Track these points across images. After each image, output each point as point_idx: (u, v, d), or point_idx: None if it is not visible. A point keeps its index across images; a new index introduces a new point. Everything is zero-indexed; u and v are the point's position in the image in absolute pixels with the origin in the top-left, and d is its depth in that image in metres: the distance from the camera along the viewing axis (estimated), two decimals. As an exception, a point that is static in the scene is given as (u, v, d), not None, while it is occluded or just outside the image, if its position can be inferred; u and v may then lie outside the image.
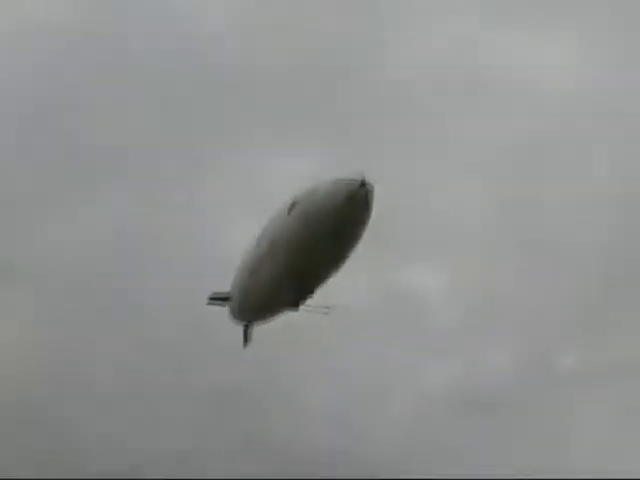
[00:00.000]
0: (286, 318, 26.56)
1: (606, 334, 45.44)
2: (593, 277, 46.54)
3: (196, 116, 50.39)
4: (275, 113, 48.73)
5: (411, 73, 50.84)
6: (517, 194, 48.69)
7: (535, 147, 50.38)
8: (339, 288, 23.55)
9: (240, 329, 29.23)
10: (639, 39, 53.17)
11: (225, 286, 28.48)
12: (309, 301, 25.11)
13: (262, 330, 28.86)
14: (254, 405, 41.96)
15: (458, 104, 50.17)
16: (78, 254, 46.10)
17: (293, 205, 22.42)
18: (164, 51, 52.55)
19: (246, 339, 30.00)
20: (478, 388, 44.43)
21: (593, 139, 51.02)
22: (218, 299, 29.33)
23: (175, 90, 51.36)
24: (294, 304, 24.85)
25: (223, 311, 29.12)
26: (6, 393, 40.40)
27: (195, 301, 28.82)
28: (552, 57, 52.96)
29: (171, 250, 45.00)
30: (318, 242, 21.96)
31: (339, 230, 21.67)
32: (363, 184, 20.99)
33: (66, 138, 49.88)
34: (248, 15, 54.16)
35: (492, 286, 46.16)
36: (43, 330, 43.82)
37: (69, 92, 51.16)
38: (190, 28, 53.41)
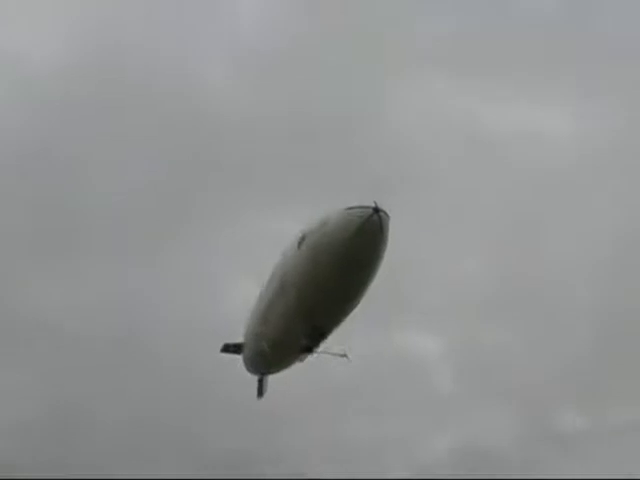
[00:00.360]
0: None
1: (606, 394, 45.50)
2: (592, 336, 46.76)
3: (191, 176, 50.39)
4: (271, 173, 48.66)
5: (410, 134, 51.85)
6: (515, 253, 49.25)
7: (533, 206, 51.04)
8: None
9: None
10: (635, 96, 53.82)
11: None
12: (324, 346, 24.14)
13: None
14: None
15: (458, 163, 50.58)
16: (79, 313, 45.95)
17: (303, 238, 21.48)
18: (157, 110, 52.60)
19: (260, 390, 29.34)
20: (478, 449, 44.76)
21: (591, 197, 51.69)
22: (231, 349, 28.77)
23: (171, 150, 51.31)
24: (307, 349, 23.81)
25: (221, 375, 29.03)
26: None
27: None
28: (551, 114, 53.98)
29: (170, 310, 45.08)
30: (330, 276, 21.00)
31: (352, 263, 20.70)
32: (376, 211, 20.17)
33: (68, 198, 49.97)
34: (243, 73, 54.66)
35: (490, 347, 46.60)
36: (51, 385, 43.30)
37: (58, 152, 51.11)
38: (183, 86, 53.54)
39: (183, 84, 53.25)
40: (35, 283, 47.35)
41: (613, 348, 45.84)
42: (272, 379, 28.90)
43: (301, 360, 26.28)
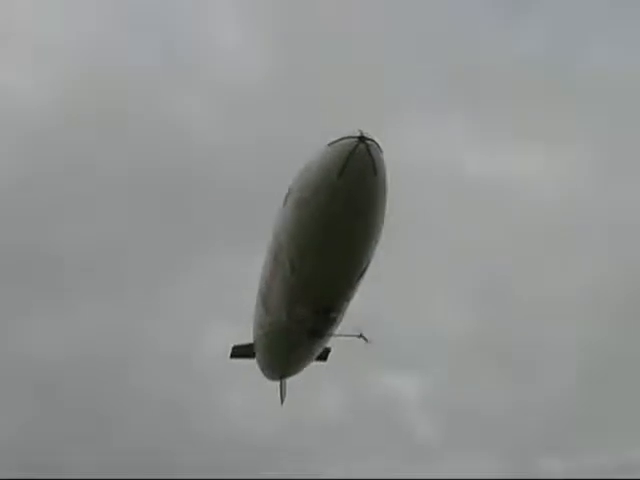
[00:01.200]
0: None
1: (589, 438, 43.41)
2: (572, 382, 45.23)
3: (167, 220, 48.04)
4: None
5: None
6: (495, 301, 47.73)
7: (514, 254, 48.88)
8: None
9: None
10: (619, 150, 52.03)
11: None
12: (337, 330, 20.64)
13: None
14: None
15: (441, 210, 48.05)
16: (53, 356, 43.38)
17: (288, 193, 17.63)
18: (134, 156, 50.24)
19: (282, 395, 25.58)
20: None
21: (574, 247, 49.43)
22: (241, 351, 24.98)
23: (146, 195, 48.99)
24: (316, 333, 20.07)
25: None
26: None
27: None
28: (534, 166, 52.25)
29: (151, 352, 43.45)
30: (319, 233, 17.08)
31: (343, 211, 16.63)
32: (362, 139, 16.10)
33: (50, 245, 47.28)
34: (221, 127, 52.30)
35: (471, 395, 44.33)
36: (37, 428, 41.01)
37: (40, 199, 48.96)
38: (167, 138, 51.10)
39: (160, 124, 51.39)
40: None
41: (595, 394, 44.27)
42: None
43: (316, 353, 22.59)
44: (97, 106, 49.34)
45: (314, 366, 24.39)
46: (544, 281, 47.67)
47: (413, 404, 46.35)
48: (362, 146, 16.09)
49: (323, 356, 24.71)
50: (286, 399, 25.56)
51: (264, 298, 20.98)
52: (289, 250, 18.04)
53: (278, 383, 25.30)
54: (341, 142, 16.24)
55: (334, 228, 16.92)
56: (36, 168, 48.66)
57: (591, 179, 52.56)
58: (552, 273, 48.20)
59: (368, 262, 18.41)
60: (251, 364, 24.69)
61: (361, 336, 20.22)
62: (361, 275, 18.57)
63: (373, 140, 16.24)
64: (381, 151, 16.45)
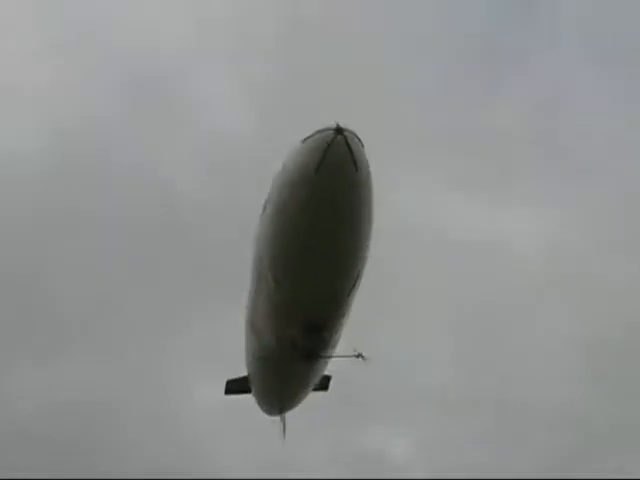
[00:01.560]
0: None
1: None
2: (561, 438, 43.19)
3: (162, 274, 46.13)
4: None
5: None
6: (483, 353, 45.54)
7: (500, 307, 47.08)
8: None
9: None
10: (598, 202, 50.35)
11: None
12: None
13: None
14: None
15: (423, 263, 46.07)
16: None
17: (267, 198, 16.19)
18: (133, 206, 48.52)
19: (283, 430, 23.93)
20: None
21: (557, 300, 47.97)
22: (236, 385, 23.35)
23: (142, 247, 46.88)
24: (310, 354, 18.25)
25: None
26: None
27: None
28: (516, 220, 50.54)
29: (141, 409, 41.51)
30: (301, 238, 15.48)
31: (323, 212, 15.02)
32: (339, 131, 14.53)
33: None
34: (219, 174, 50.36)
35: (459, 447, 42.71)
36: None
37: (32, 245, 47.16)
38: (160, 184, 49.38)
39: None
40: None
41: (584, 449, 42.79)
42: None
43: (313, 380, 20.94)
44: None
45: (317, 397, 22.94)
46: (530, 343, 46.49)
47: (401, 456, 44.49)
48: (340, 138, 14.58)
49: (324, 385, 23.19)
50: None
51: (251, 321, 19.41)
52: (270, 261, 16.47)
53: (278, 419, 23.68)
54: (316, 136, 14.86)
55: (316, 231, 15.27)
56: (34, 220, 47.50)
57: (580, 235, 50.75)
58: (542, 327, 47.31)
59: (359, 271, 16.75)
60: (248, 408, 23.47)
61: (360, 356, 18.67)
62: (353, 286, 16.92)
63: (352, 132, 14.87)
64: (362, 145, 15.07)
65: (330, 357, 18.84)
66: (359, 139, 14.91)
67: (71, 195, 48.28)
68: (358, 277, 16.84)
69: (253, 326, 19.32)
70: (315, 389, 22.34)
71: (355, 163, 14.71)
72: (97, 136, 49.20)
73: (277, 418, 23.51)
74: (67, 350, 44.22)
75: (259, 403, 22.76)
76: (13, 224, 45.96)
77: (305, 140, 14.91)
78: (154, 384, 42.00)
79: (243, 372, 22.58)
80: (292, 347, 17.92)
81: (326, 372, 22.22)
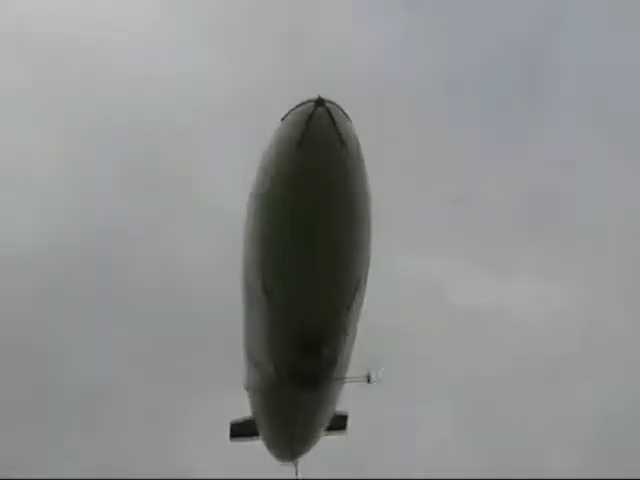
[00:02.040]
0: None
1: None
2: None
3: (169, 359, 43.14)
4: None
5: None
6: (486, 426, 43.40)
7: (508, 378, 44.55)
8: None
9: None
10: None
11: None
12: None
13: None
14: None
15: (423, 328, 43.44)
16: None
17: (250, 193, 14.13)
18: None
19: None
20: None
21: (568, 370, 45.15)
22: (242, 429, 21.02)
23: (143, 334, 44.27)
24: (309, 380, 15.92)
25: None
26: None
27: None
28: (520, 287, 48.75)
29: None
30: (287, 230, 13.41)
31: (313, 191, 13.00)
32: (320, 103, 12.64)
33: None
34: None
35: None
36: None
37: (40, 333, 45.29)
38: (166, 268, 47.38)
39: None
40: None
41: None
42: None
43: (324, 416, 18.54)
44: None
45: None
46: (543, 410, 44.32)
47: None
48: (321, 110, 12.70)
49: (340, 425, 20.83)
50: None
51: (248, 351, 17.30)
52: (257, 264, 14.45)
53: (291, 465, 21.22)
54: (296, 110, 13.04)
55: (304, 217, 13.25)
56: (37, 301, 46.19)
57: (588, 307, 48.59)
58: (551, 401, 44.56)
59: (360, 275, 14.69)
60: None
61: (369, 379, 16.39)
62: (354, 293, 14.82)
63: (336, 104, 12.96)
64: (348, 119, 13.13)
65: (335, 381, 16.53)
66: (344, 113, 13.02)
67: (71, 276, 46.46)
68: (359, 283, 14.71)
69: (250, 355, 17.24)
70: (330, 429, 20.06)
71: (341, 137, 12.78)
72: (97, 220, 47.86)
73: (290, 464, 21.16)
74: (72, 431, 42.24)
75: (269, 447, 20.51)
76: (15, 304, 45.11)
77: (285, 117, 13.07)
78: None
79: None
80: (290, 373, 15.79)
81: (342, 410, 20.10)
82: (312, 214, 13.24)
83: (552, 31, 53.37)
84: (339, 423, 20.67)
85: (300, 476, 20.69)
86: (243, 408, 20.34)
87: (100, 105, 49.51)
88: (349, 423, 21.38)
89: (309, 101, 12.80)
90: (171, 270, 47.42)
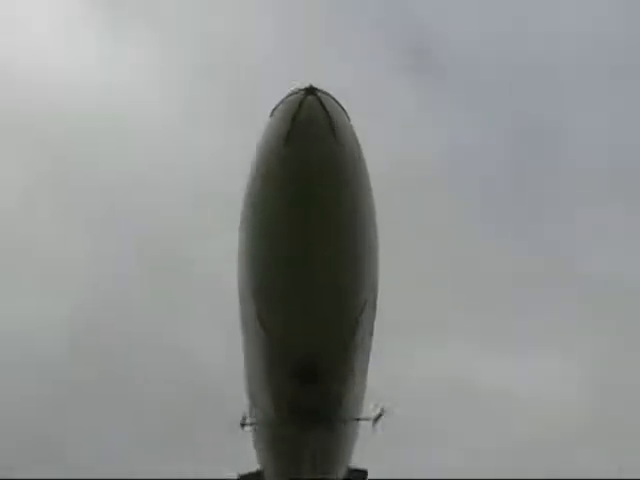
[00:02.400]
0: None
1: None
2: None
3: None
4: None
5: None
6: None
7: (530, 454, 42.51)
8: None
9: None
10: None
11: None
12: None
13: None
14: None
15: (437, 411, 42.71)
16: None
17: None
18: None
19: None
20: None
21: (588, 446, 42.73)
22: None
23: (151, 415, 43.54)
24: (309, 416, 14.23)
25: None
26: None
27: None
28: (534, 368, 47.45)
29: None
30: (275, 231, 12.01)
31: (305, 191, 11.59)
32: (311, 92, 11.43)
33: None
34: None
35: None
36: None
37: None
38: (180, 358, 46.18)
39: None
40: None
41: None
42: None
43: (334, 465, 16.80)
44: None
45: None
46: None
47: None
48: (311, 98, 11.49)
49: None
50: None
51: (249, 391, 15.85)
52: (250, 290, 13.10)
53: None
54: (285, 100, 11.90)
55: (294, 223, 11.89)
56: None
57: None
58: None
59: (366, 294, 13.11)
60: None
61: (379, 417, 14.81)
62: (361, 313, 13.35)
63: (328, 93, 11.78)
64: (343, 110, 11.85)
65: (341, 421, 14.97)
66: (342, 106, 11.90)
67: (88, 367, 45.48)
68: (365, 305, 13.29)
69: (250, 394, 15.78)
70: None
71: (333, 128, 11.58)
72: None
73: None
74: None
75: None
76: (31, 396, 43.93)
77: (273, 111, 12.01)
78: None
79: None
80: (290, 409, 14.30)
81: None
82: (304, 219, 11.88)
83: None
84: (356, 478, 18.93)
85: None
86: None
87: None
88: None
89: (299, 90, 11.82)
90: (186, 360, 46.78)
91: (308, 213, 11.80)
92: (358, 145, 12.04)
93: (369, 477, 20.35)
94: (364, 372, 15.18)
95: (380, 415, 14.72)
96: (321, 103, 11.46)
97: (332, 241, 12.11)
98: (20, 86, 51.42)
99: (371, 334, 14.38)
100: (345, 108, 11.82)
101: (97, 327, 46.27)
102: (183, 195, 49.65)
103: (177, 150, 50.50)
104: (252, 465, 19.65)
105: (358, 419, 15.22)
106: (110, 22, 53.61)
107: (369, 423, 15.06)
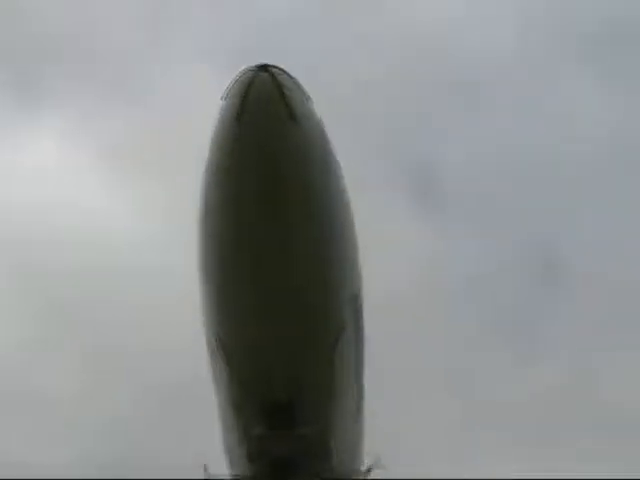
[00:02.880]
0: None
1: None
2: None
3: None
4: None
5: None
6: None
7: None
8: None
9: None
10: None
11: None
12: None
13: None
14: None
15: None
16: None
17: None
18: None
19: None
20: None
21: None
22: None
23: None
24: (287, 465, 11.91)
25: None
26: None
27: None
28: None
29: None
30: (232, 233, 10.52)
31: (260, 182, 10.14)
32: (263, 68, 10.14)
33: None
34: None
35: None
36: None
37: None
38: None
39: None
40: None
41: None
42: None
43: None
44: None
45: None
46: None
47: None
48: (264, 75, 10.21)
49: None
50: None
51: (226, 445, 13.90)
52: (206, 308, 11.63)
53: None
54: (236, 80, 10.53)
55: (248, 209, 10.37)
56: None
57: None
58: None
59: (344, 309, 11.46)
60: None
61: (369, 471, 12.75)
62: (339, 333, 11.45)
63: (283, 70, 10.47)
64: (300, 86, 10.51)
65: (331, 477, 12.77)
66: (300, 85, 10.59)
67: None
68: (343, 322, 11.53)
69: (226, 449, 13.81)
70: None
71: (289, 107, 10.27)
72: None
73: None
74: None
75: None
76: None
77: (226, 94, 10.76)
78: None
79: None
80: (265, 461, 12.31)
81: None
82: (260, 205, 10.34)
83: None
84: None
85: None
86: None
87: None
88: None
89: (250, 69, 10.57)
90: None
91: (262, 199, 10.41)
92: (319, 123, 10.72)
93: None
94: (355, 415, 13.27)
95: (370, 470, 12.67)
96: (275, 80, 10.28)
97: (295, 240, 10.64)
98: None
99: (359, 366, 12.65)
100: (302, 85, 10.62)
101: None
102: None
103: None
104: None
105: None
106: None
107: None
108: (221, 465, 14.00)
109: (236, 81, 10.40)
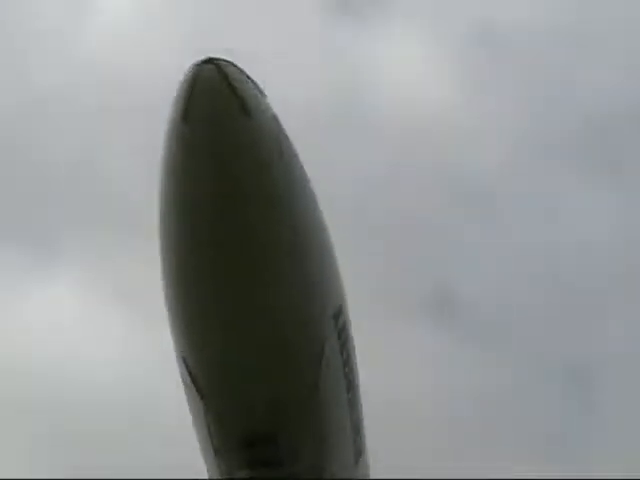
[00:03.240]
0: None
1: None
2: None
3: None
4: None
5: None
6: None
7: None
8: None
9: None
10: None
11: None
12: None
13: None
14: None
15: None
16: None
17: None
18: None
19: None
20: None
21: None
22: None
23: None
24: None
25: None
26: None
27: None
28: None
29: None
30: (190, 242, 9.54)
31: (212, 179, 9.24)
32: (211, 62, 9.23)
33: None
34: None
35: None
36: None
37: None
38: None
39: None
40: None
41: None
42: None
43: None
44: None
45: None
46: None
47: None
48: (208, 68, 9.34)
49: None
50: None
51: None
52: (172, 330, 10.58)
53: None
54: (183, 79, 9.79)
55: (202, 216, 9.42)
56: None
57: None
58: None
59: (324, 328, 10.32)
60: None
61: None
62: (320, 355, 10.29)
63: (230, 62, 9.56)
64: (250, 79, 9.56)
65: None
66: (245, 72, 9.61)
67: None
68: (323, 343, 10.31)
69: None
70: None
71: (240, 100, 9.32)
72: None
73: None
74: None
75: None
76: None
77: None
78: None
79: None
80: None
81: None
82: (216, 210, 9.45)
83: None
84: None
85: None
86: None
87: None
88: None
89: (197, 62, 9.77)
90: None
91: (217, 204, 9.49)
92: (274, 118, 9.79)
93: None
94: (355, 455, 11.99)
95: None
96: (221, 72, 9.46)
97: (260, 245, 9.66)
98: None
99: (354, 398, 11.51)
100: (252, 77, 9.78)
101: None
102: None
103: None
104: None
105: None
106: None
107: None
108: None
109: (182, 81, 9.61)
